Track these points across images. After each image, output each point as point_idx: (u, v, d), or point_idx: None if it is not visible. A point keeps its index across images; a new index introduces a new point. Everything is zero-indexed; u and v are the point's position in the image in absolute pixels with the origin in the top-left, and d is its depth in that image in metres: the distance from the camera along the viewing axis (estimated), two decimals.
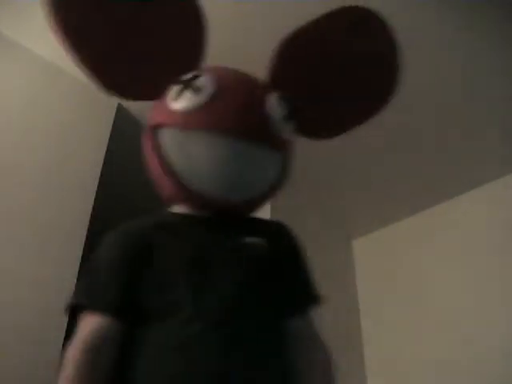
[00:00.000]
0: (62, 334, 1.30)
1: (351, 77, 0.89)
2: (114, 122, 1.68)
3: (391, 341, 2.32)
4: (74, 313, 0.69)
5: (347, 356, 2.34)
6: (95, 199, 1.54)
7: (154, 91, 0.79)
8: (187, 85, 0.73)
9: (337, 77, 0.88)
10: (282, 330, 0.72)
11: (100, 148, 1.62)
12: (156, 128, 0.77)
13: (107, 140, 1.64)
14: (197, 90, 0.72)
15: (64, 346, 1.29)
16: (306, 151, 1.97)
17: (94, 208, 1.52)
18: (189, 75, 0.75)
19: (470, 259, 2.13)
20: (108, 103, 1.70)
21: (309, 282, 0.80)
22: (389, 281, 2.47)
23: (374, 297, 2.52)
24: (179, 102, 0.73)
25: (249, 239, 0.75)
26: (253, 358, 0.64)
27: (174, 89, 0.76)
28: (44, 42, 1.48)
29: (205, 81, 0.74)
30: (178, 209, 0.81)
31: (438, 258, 2.27)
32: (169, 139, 0.75)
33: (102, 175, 1.58)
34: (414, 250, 2.41)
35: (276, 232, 0.82)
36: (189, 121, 0.72)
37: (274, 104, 0.77)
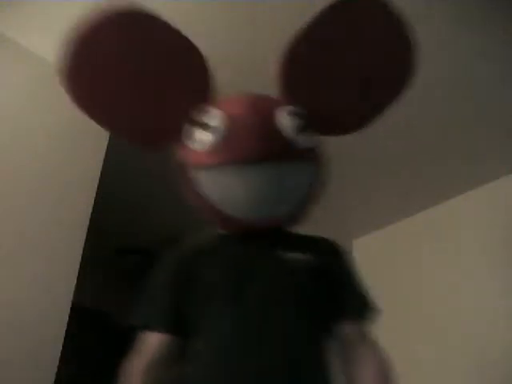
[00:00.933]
0: (62, 334, 1.30)
1: (364, 67, 0.87)
2: None
3: (391, 341, 2.32)
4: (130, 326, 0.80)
5: None
6: (95, 199, 1.54)
7: (170, 136, 0.84)
8: (199, 126, 0.78)
9: (349, 70, 0.86)
10: (325, 341, 0.77)
11: (100, 148, 1.62)
12: (185, 166, 0.81)
13: (107, 140, 1.64)
14: (209, 129, 0.76)
15: (64, 346, 1.29)
16: None
17: (94, 208, 1.52)
18: (199, 114, 0.79)
19: (470, 259, 2.13)
20: None
21: (360, 293, 0.84)
22: (389, 281, 2.47)
23: (373, 297, 2.51)
24: (196, 142, 0.78)
25: (291, 254, 0.79)
26: (292, 370, 0.69)
27: (189, 129, 0.80)
28: (44, 42, 1.48)
29: (216, 118, 0.77)
30: (223, 230, 0.87)
31: (438, 257, 2.27)
32: (198, 176, 0.79)
33: (101, 175, 1.58)
34: (414, 250, 2.41)
35: (323, 248, 0.86)
36: (209, 160, 0.76)
37: (285, 120, 0.78)
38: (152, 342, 0.76)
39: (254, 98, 0.82)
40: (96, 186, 1.56)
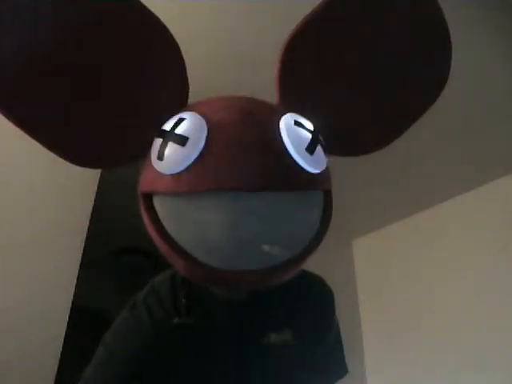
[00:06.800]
0: (62, 334, 1.30)
1: (387, 64, 0.67)
2: None
3: (391, 341, 2.32)
4: None
5: (347, 356, 2.33)
6: (95, 200, 1.54)
7: (132, 154, 0.62)
8: (167, 137, 0.55)
9: (368, 68, 0.66)
10: None
11: None
12: (147, 195, 0.59)
13: None
14: (182, 141, 0.53)
15: (64, 346, 1.29)
16: None
17: (94, 208, 1.53)
18: (169, 123, 0.57)
19: (470, 259, 2.13)
20: None
21: (338, 356, 0.81)
22: (389, 281, 2.47)
23: (374, 297, 2.52)
24: (164, 160, 0.54)
25: (273, 337, 0.70)
26: None
27: (156, 143, 0.56)
28: None
29: (190, 125, 0.55)
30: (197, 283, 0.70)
31: (438, 257, 2.27)
32: (163, 208, 0.57)
33: (102, 175, 1.58)
34: (414, 250, 2.41)
35: (311, 304, 0.76)
36: (179, 184, 0.53)
37: (293, 133, 0.56)
38: None
39: (247, 102, 0.60)
40: (96, 185, 1.56)
